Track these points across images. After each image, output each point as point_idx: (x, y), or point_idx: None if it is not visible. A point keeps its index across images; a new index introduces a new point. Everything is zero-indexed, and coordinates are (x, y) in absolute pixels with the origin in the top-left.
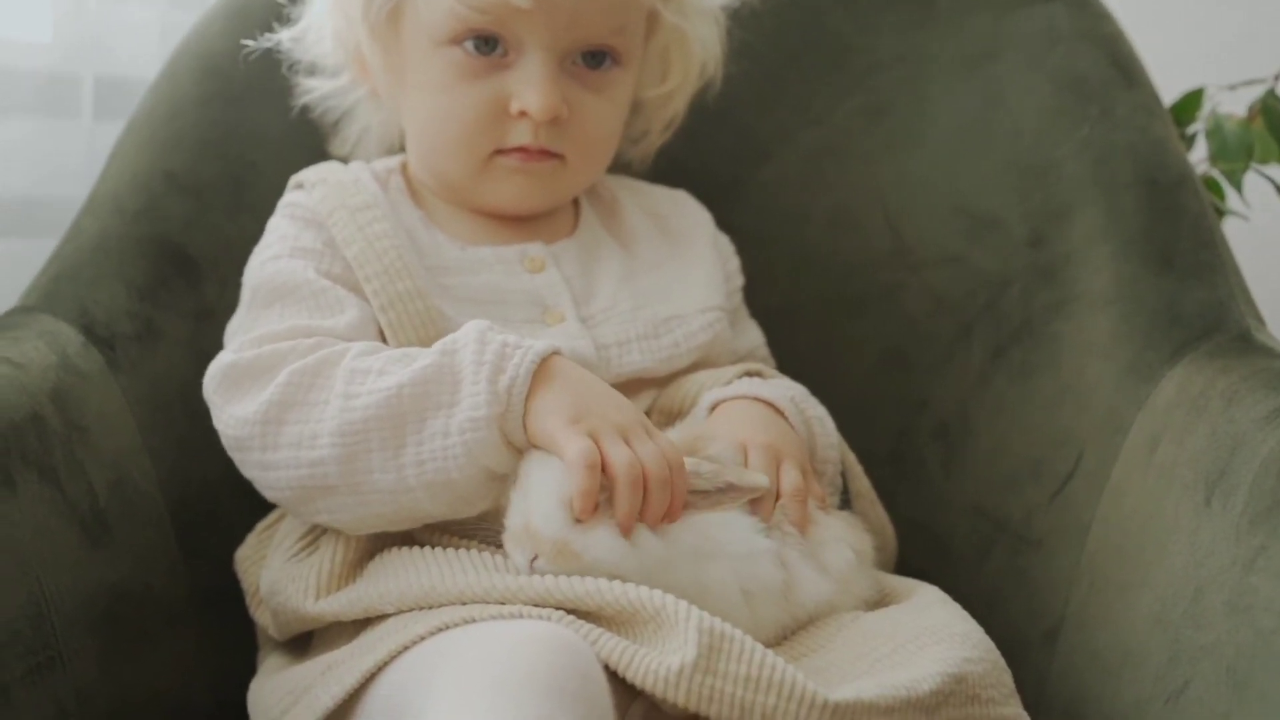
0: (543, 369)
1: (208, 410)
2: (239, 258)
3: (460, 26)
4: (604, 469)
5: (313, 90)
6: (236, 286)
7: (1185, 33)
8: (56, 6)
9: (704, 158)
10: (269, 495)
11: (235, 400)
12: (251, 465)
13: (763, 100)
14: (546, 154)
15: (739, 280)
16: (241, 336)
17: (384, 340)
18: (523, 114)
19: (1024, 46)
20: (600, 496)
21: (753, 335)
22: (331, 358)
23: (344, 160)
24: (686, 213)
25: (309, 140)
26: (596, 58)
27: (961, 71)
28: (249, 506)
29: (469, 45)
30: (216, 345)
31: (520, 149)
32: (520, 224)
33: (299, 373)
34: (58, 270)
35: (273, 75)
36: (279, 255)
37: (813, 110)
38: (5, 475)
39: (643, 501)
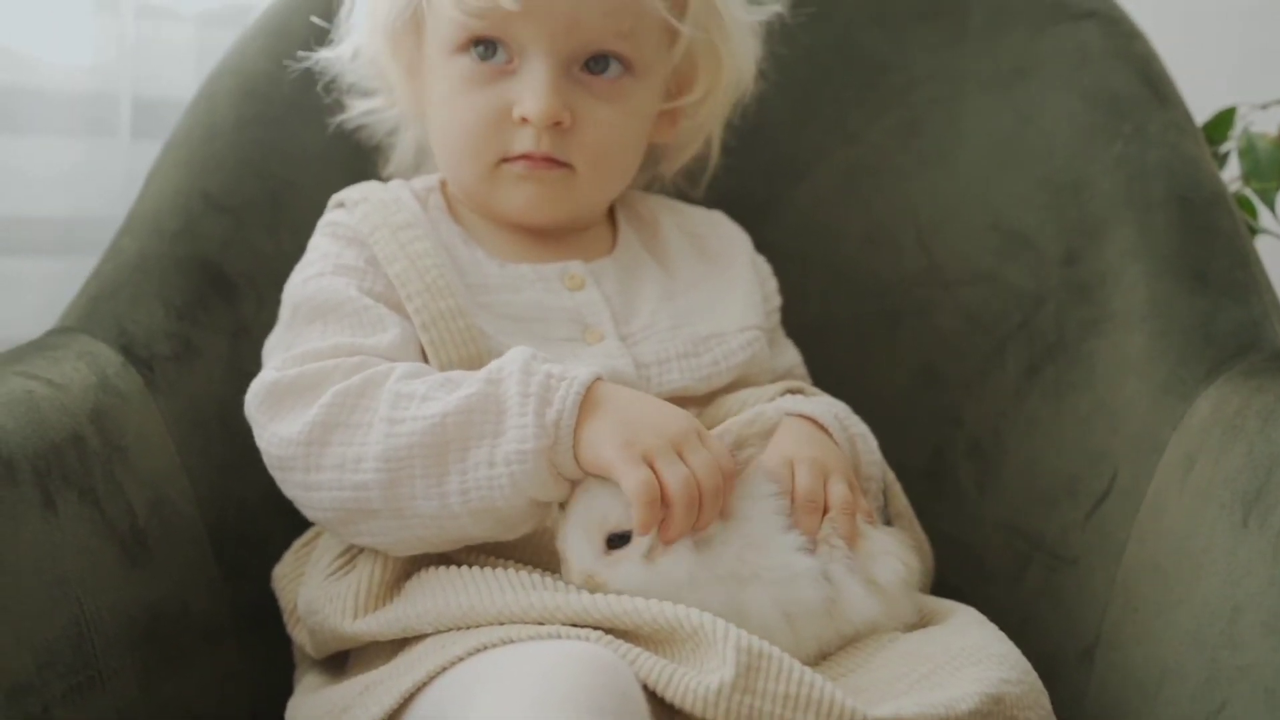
0: (588, 397)
1: (245, 429)
2: (276, 277)
3: (463, 34)
4: (661, 494)
5: (352, 110)
6: (274, 305)
7: (1217, 51)
8: (95, 28)
9: (740, 177)
10: (310, 515)
11: (278, 419)
12: (294, 485)
13: (797, 119)
14: (552, 162)
15: (777, 301)
16: (283, 354)
17: (425, 359)
18: (524, 120)
19: (1057, 65)
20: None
21: (790, 355)
22: (376, 378)
23: (387, 180)
24: (724, 233)
25: (346, 159)
26: (600, 63)
27: (995, 89)
28: (286, 525)
29: (475, 52)
30: (254, 364)
31: (525, 156)
32: (559, 241)
33: (343, 393)
34: (97, 290)
35: (309, 95)
36: (321, 273)
37: (847, 128)
38: (46, 496)
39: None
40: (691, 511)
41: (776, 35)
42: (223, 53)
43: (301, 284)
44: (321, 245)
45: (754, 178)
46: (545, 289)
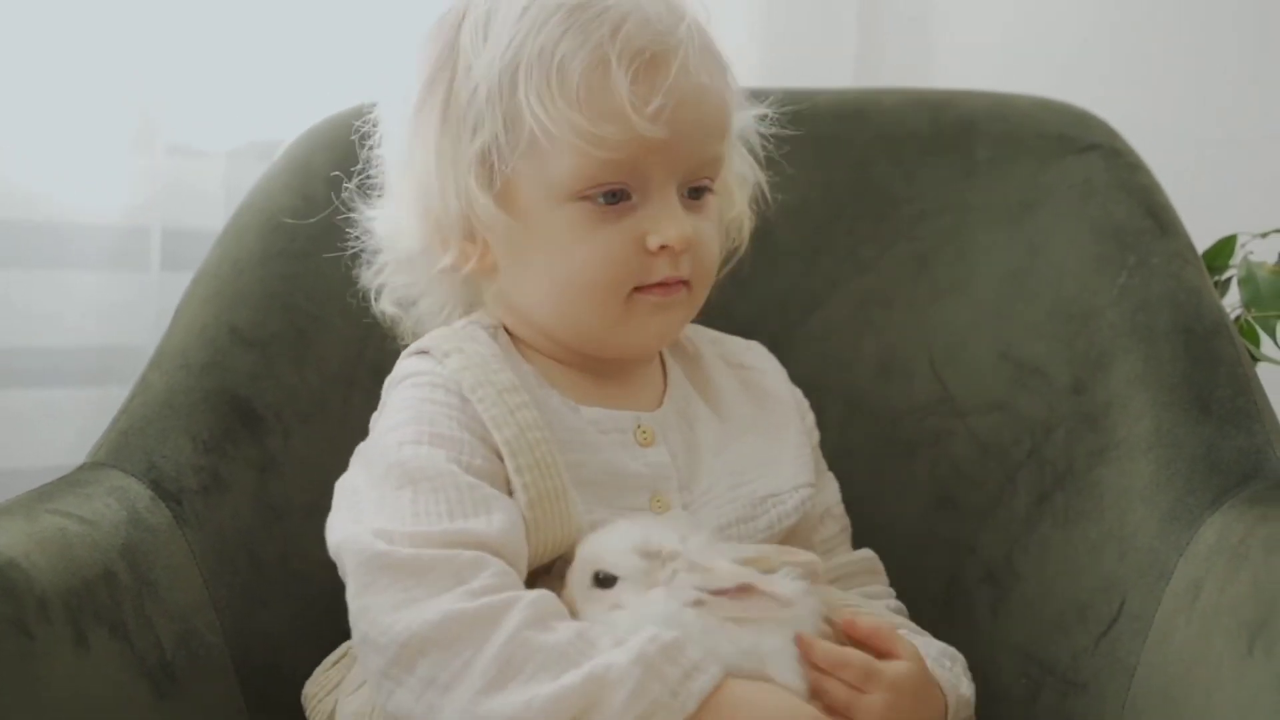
0: (709, 705)
1: (271, 561)
2: (302, 409)
3: (587, 183)
4: None
5: (383, 267)
6: (300, 438)
7: (1216, 180)
8: (129, 166)
9: (756, 306)
10: (368, 676)
11: (376, 593)
12: (370, 658)
13: (811, 249)
14: (681, 283)
15: (816, 436)
16: (382, 520)
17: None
18: (662, 248)
19: (1063, 197)
20: None
21: (830, 491)
22: (491, 614)
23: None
24: (767, 367)
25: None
26: (698, 190)
27: (1003, 221)
28: (310, 656)
29: (599, 199)
30: (280, 496)
31: (660, 284)
32: (620, 380)
33: (456, 619)
34: (126, 425)
35: (334, 229)
36: (418, 441)
37: (860, 259)
38: (79, 633)
39: None
40: None
41: (791, 170)
42: (250, 186)
43: (395, 447)
44: (412, 404)
45: (769, 307)
46: (620, 445)
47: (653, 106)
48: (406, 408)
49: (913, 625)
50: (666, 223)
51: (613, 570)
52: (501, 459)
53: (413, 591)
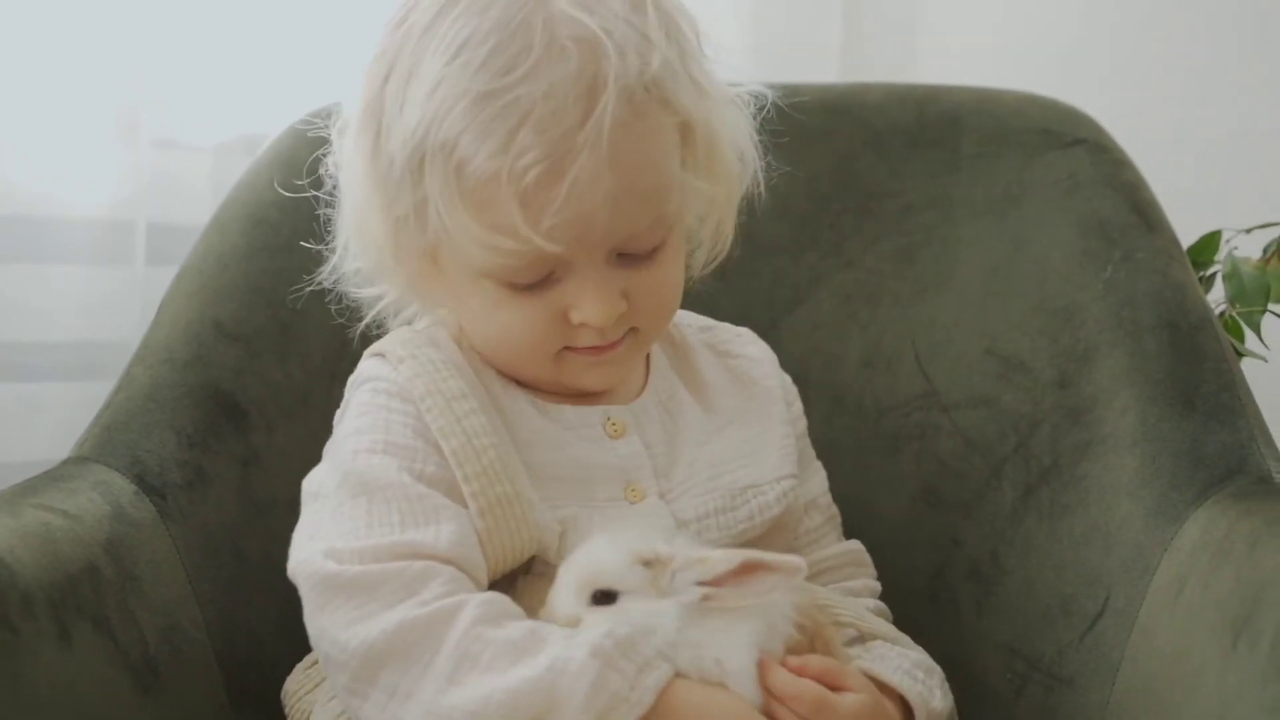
0: (655, 712)
1: (254, 556)
2: (285, 404)
3: (499, 275)
4: None
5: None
6: (283, 433)
7: (1201, 176)
8: (114, 160)
9: (740, 300)
10: (337, 693)
11: (328, 612)
12: (335, 676)
13: (796, 244)
14: (616, 343)
15: (803, 424)
16: (334, 533)
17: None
18: (584, 324)
19: (1048, 192)
20: None
21: (816, 482)
22: (443, 616)
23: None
24: (755, 354)
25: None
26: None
27: (988, 216)
28: (293, 650)
29: (519, 283)
30: (263, 491)
31: (591, 349)
32: None
33: (409, 627)
34: (110, 420)
35: (318, 224)
36: (372, 450)
37: (844, 254)
38: (62, 628)
39: None
40: None
41: (777, 165)
42: (235, 181)
43: (351, 456)
44: (369, 409)
45: (754, 302)
46: (588, 439)
47: (545, 225)
48: (365, 413)
49: (891, 628)
50: (589, 301)
51: (616, 586)
52: None
53: (366, 607)
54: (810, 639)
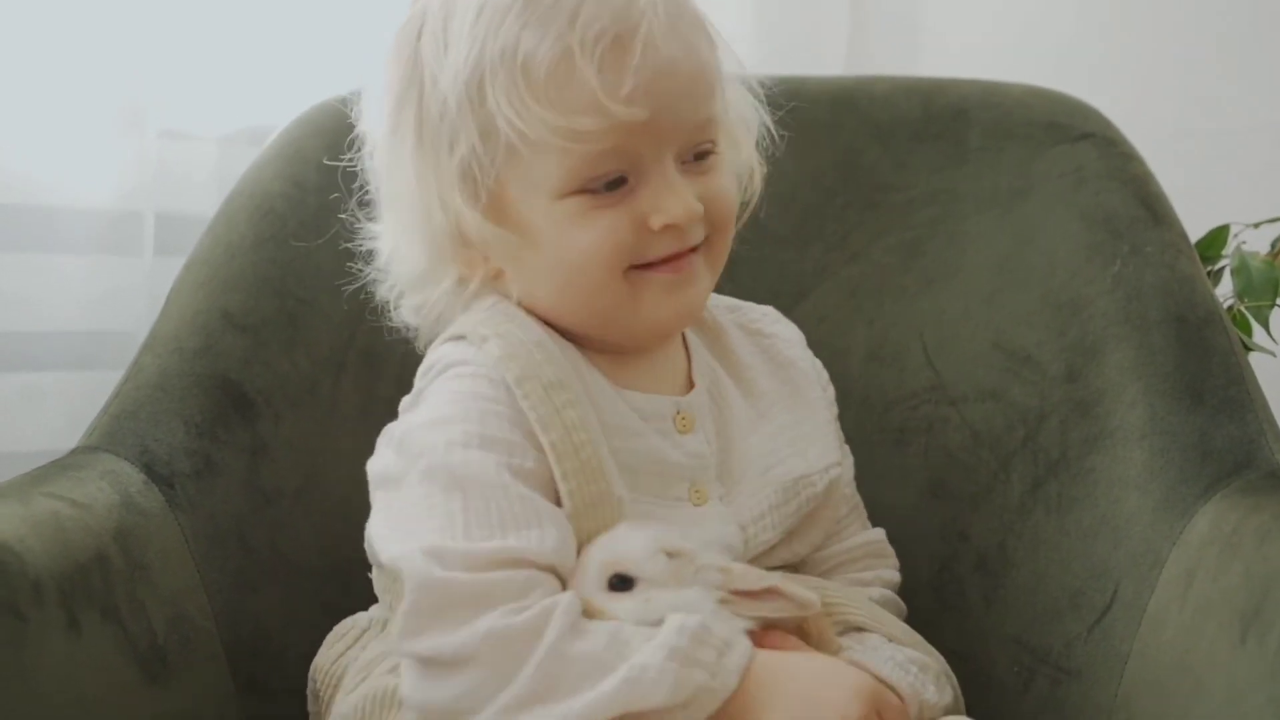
0: (744, 685)
1: (262, 545)
2: (293, 394)
3: (577, 180)
4: None
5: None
6: (290, 423)
7: (1208, 170)
8: (121, 150)
9: (746, 294)
10: (406, 686)
11: (432, 616)
12: (410, 667)
13: (801, 237)
14: (691, 251)
15: (836, 409)
16: (432, 534)
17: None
18: (666, 227)
19: (1055, 185)
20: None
21: (844, 469)
22: (533, 627)
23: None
24: (785, 334)
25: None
26: (700, 154)
27: (994, 209)
28: (300, 640)
29: (595, 188)
30: (270, 480)
31: (667, 260)
32: (649, 360)
33: (499, 637)
34: (119, 409)
35: (326, 215)
36: (467, 444)
37: (850, 247)
38: (71, 617)
39: None
40: None
41: (782, 156)
42: (242, 171)
43: (445, 449)
44: (457, 395)
45: (759, 295)
46: (660, 431)
47: (626, 89)
48: (452, 402)
49: (891, 619)
50: (669, 200)
51: (636, 573)
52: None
53: (465, 611)
54: (799, 625)
